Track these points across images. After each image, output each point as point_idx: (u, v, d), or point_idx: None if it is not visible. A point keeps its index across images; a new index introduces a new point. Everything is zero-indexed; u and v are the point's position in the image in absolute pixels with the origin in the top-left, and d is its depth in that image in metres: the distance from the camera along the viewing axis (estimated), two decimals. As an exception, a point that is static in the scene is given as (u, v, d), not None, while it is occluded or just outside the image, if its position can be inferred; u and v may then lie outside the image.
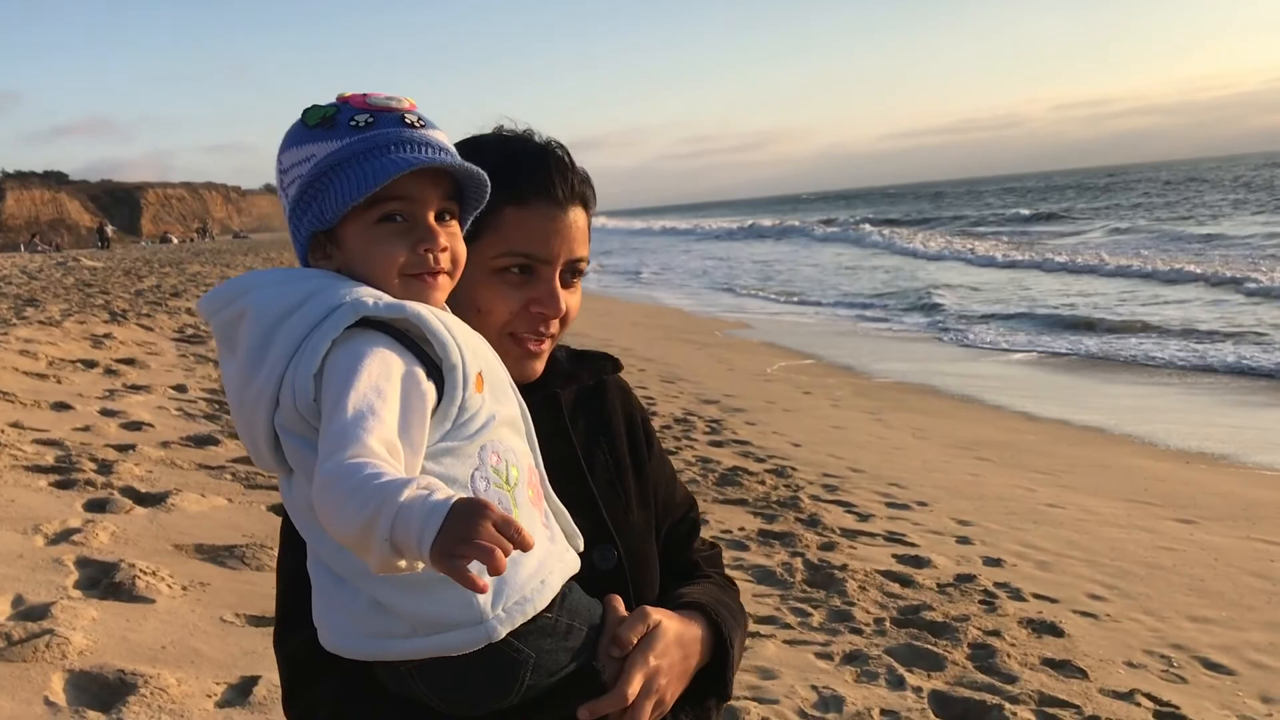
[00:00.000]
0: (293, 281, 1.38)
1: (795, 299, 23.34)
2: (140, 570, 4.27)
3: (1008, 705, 3.71)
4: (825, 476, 7.52)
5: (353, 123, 1.41)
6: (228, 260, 35.20)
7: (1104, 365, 13.26)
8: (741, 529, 6.08)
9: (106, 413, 7.92)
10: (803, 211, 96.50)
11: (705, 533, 5.14)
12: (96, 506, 5.34)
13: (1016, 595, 5.00)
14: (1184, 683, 4.05)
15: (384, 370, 1.29)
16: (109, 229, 74.86)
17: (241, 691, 3.41)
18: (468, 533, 1.13)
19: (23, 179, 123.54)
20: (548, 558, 1.43)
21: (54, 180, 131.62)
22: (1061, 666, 4.14)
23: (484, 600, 1.33)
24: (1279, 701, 3.93)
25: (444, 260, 1.44)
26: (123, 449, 6.71)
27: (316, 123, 1.42)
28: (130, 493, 5.63)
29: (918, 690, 3.82)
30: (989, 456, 8.38)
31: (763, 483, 7.19)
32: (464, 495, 1.17)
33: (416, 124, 1.43)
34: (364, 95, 1.45)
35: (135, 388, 9.24)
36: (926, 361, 13.85)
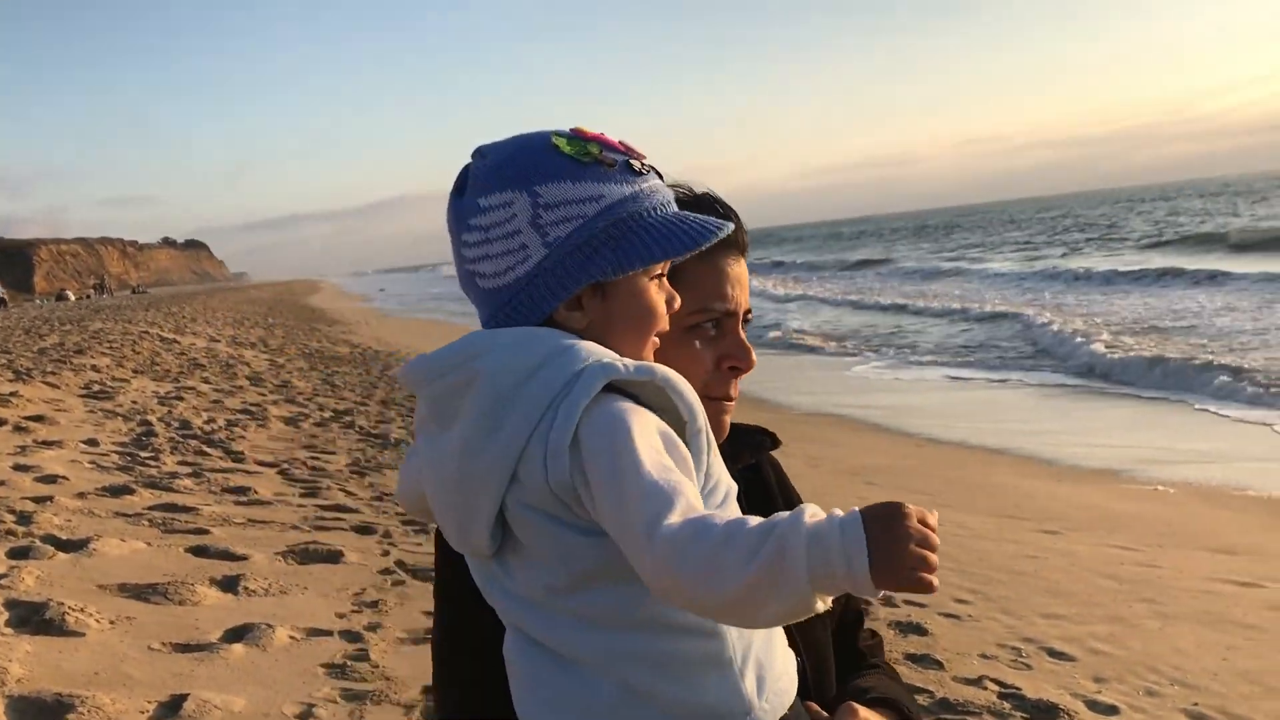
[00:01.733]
0: (527, 343, 1.27)
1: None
2: (69, 608, 4.52)
3: (872, 693, 4.16)
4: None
5: (634, 165, 1.34)
6: (129, 316, 34.74)
7: (984, 386, 13.99)
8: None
9: (20, 468, 8.03)
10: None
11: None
12: (19, 554, 5.54)
13: (889, 602, 5.47)
14: (1029, 669, 4.54)
15: (654, 432, 1.22)
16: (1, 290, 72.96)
17: (171, 708, 3.70)
18: (900, 539, 1.06)
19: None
20: (787, 649, 1.36)
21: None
22: (921, 660, 4.61)
23: (750, 689, 1.27)
24: (1108, 681, 4.44)
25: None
26: (40, 500, 6.87)
27: (587, 159, 1.31)
28: (51, 540, 5.83)
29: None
30: (876, 481, 8.89)
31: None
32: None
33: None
34: (603, 134, 1.36)
35: (47, 443, 9.32)
36: (827, 394, 14.41)
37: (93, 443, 9.44)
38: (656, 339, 1.38)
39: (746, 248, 1.61)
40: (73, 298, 78.33)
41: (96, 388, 13.69)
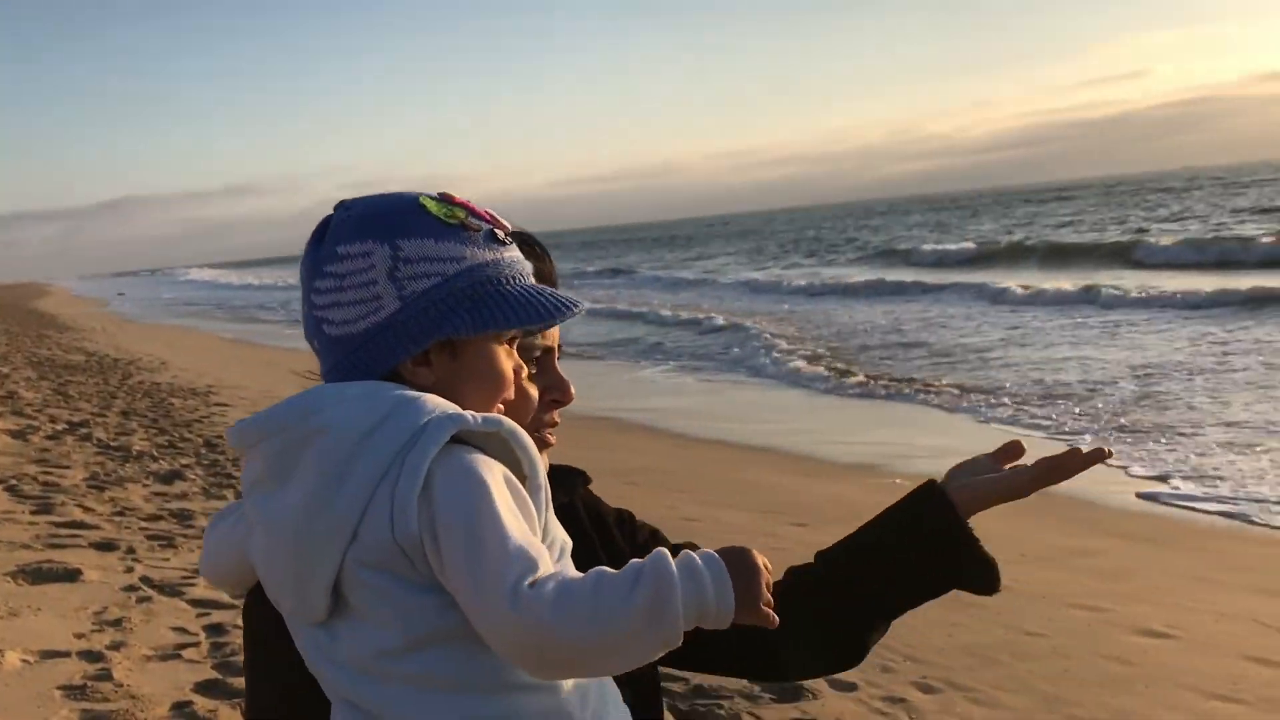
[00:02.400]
0: (369, 397, 1.25)
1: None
2: None
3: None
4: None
5: (497, 235, 1.37)
6: None
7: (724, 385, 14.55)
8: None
9: None
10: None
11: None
12: None
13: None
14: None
15: (502, 485, 1.22)
16: None
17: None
18: (753, 575, 1.17)
19: None
20: (618, 696, 1.37)
21: None
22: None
23: None
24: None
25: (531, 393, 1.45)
26: None
27: (452, 221, 1.34)
28: None
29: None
30: (638, 481, 9.12)
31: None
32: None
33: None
34: (470, 201, 1.39)
35: None
36: (599, 399, 14.60)
37: None
38: (503, 406, 1.37)
39: (557, 285, 1.65)
40: None
41: None
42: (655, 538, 1.87)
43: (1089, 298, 20.75)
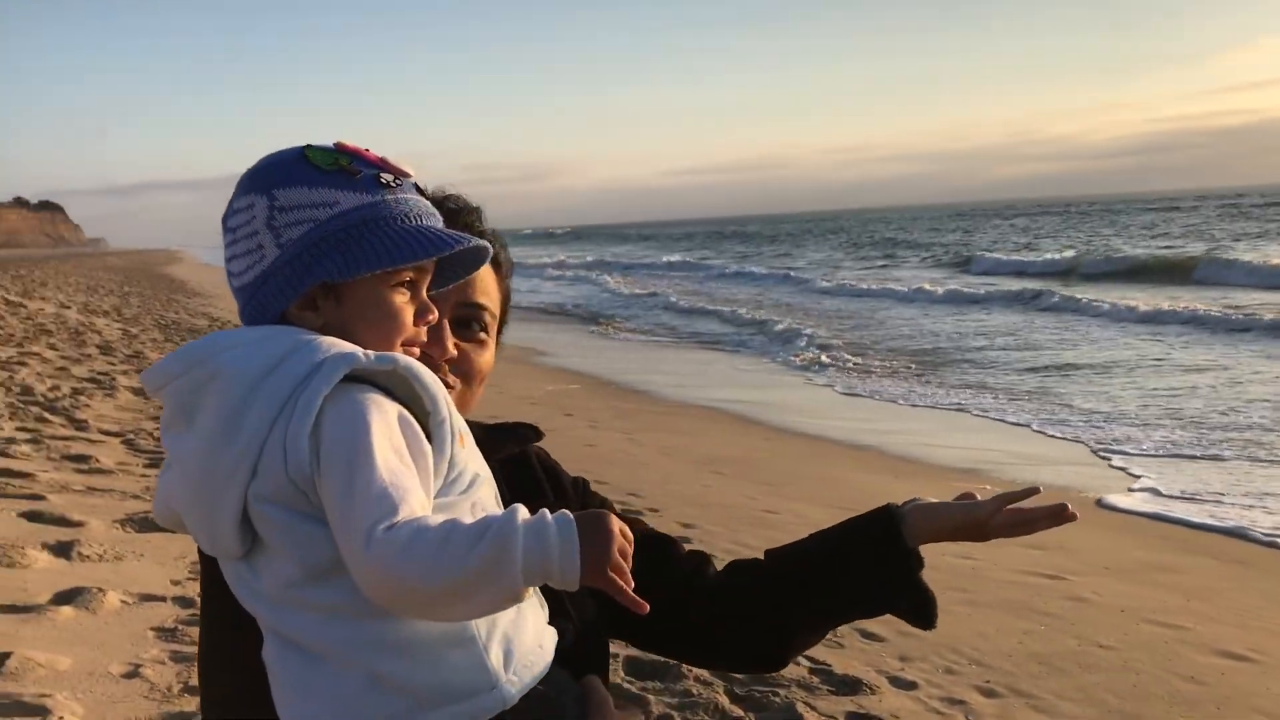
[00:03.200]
0: (268, 340, 1.30)
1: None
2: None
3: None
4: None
5: (383, 179, 1.38)
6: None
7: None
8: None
9: None
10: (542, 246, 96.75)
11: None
12: None
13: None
14: (841, 648, 4.81)
15: (392, 425, 1.26)
16: None
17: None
18: (605, 542, 1.20)
19: None
20: (540, 623, 1.40)
21: None
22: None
23: (496, 663, 1.30)
24: (912, 659, 4.76)
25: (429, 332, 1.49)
26: None
27: (332, 168, 1.36)
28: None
29: (614, 656, 4.44)
30: (725, 471, 9.17)
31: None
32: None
33: (425, 196, 1.45)
34: (366, 149, 1.41)
35: None
36: (701, 388, 14.67)
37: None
38: (411, 348, 1.41)
39: (504, 265, 1.80)
40: (-89, 255, 73.65)
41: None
42: (605, 507, 1.86)
43: (1156, 316, 20.05)
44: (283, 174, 1.37)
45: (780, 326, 21.35)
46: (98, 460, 7.71)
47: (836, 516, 6.57)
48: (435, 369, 1.44)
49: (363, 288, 1.36)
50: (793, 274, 38.15)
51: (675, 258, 54.43)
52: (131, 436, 8.86)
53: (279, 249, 1.35)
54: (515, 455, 1.80)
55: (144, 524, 6.02)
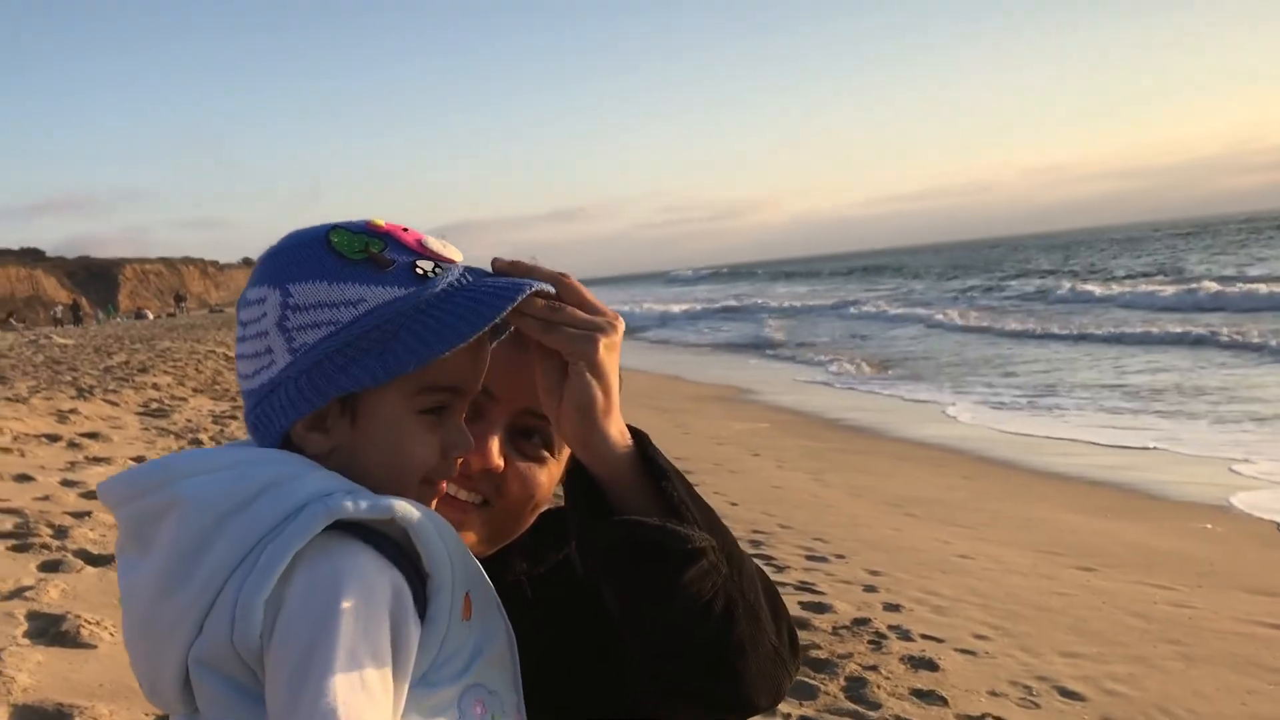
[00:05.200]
0: (244, 467, 1.08)
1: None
2: (85, 621, 4.64)
3: (866, 727, 4.12)
4: (753, 533, 7.90)
5: (418, 270, 1.15)
6: (199, 335, 35.55)
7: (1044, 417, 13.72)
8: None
9: (67, 483, 8.26)
10: (761, 281, 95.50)
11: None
12: (50, 567, 5.72)
13: (905, 636, 5.40)
14: (1036, 708, 4.46)
15: (370, 608, 1.02)
16: (83, 305, 75.12)
17: (168, 723, 3.78)
18: None
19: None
20: None
21: (30, 257, 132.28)
22: (926, 696, 4.55)
23: None
24: (1119, 721, 4.35)
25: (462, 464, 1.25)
26: (79, 515, 7.06)
27: (359, 256, 1.14)
28: (83, 554, 5.99)
29: (786, 717, 4.22)
30: (916, 513, 8.77)
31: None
32: None
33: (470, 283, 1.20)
34: (405, 229, 1.19)
35: (97, 459, 9.60)
36: (899, 425, 14.23)
37: (140, 459, 9.67)
38: (430, 487, 1.19)
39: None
40: (151, 316, 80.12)
41: (155, 406, 14.06)
42: None
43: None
44: (300, 263, 1.15)
45: (982, 356, 20.52)
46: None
47: (1038, 562, 6.16)
48: (449, 476, 1.22)
49: (384, 405, 1.15)
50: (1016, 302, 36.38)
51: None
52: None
53: (290, 355, 1.13)
54: (559, 562, 1.47)
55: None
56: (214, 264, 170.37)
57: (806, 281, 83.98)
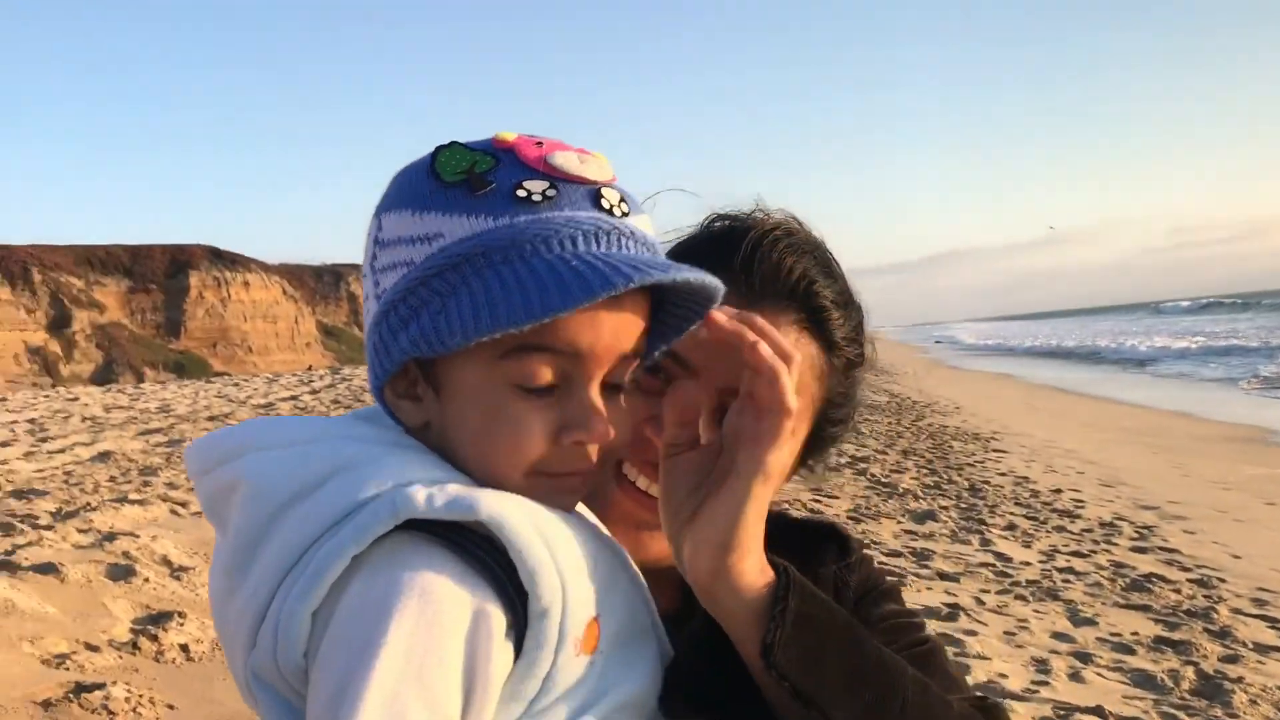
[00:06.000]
0: (314, 445, 0.91)
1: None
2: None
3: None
4: (1259, 591, 6.86)
5: (521, 192, 0.90)
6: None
7: None
8: (1134, 633, 5.77)
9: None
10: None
11: (1090, 633, 5.09)
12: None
13: None
14: None
15: (434, 633, 0.83)
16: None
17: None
18: None
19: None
20: None
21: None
22: None
23: None
24: None
25: (593, 452, 0.96)
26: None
27: (458, 178, 0.92)
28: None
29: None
30: None
31: (1178, 591, 6.73)
32: None
33: (616, 208, 0.93)
34: (538, 143, 0.95)
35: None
36: None
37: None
38: (546, 479, 0.94)
39: (834, 335, 1.20)
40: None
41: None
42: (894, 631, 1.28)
43: None
44: (399, 188, 0.95)
45: None
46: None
47: None
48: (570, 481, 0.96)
49: (468, 373, 0.91)
50: None
51: None
52: (785, 506, 9.21)
53: (376, 302, 0.95)
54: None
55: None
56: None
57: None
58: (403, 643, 0.81)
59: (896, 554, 7.72)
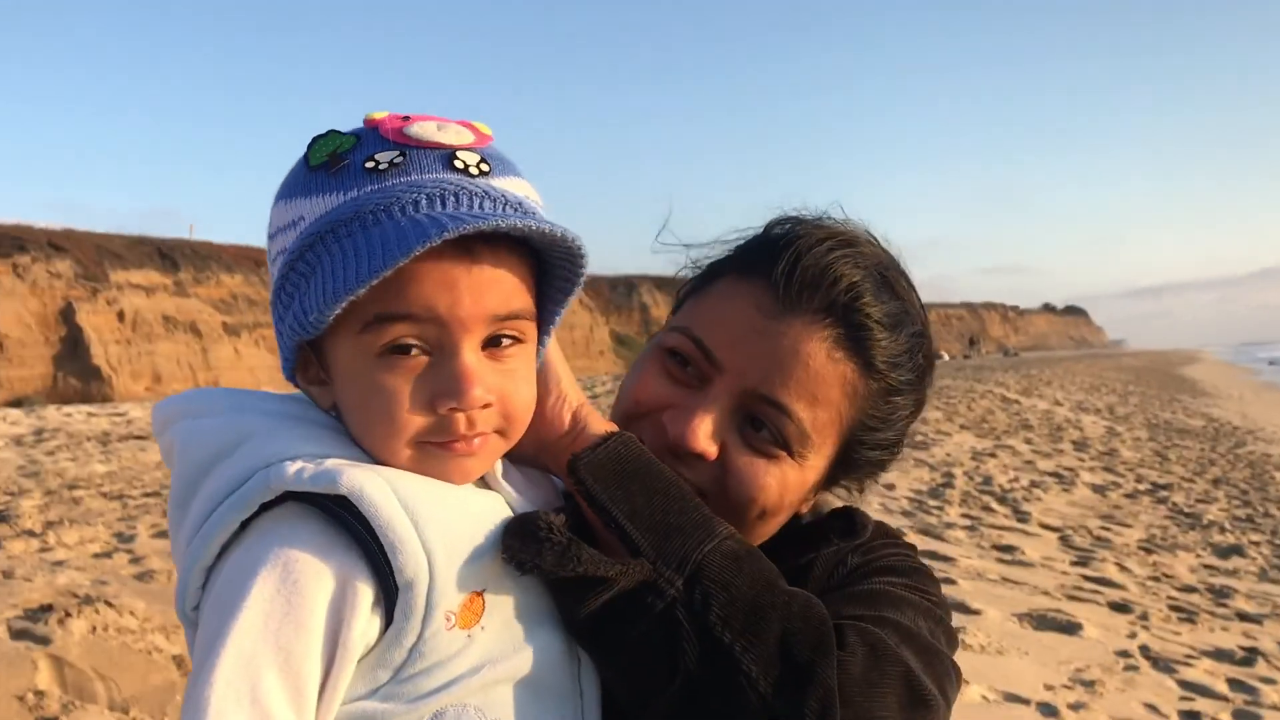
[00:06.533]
0: (232, 414, 0.97)
1: None
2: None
3: None
4: None
5: (370, 164, 0.92)
6: (983, 375, 36.05)
7: None
8: None
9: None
10: None
11: None
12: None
13: None
14: None
15: (288, 601, 0.86)
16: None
17: None
18: None
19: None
20: None
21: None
22: None
23: None
24: None
25: (483, 421, 0.96)
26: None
27: (321, 162, 0.94)
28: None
29: None
30: None
31: None
32: None
33: (473, 168, 0.94)
34: (404, 117, 0.96)
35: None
36: None
37: (889, 486, 10.03)
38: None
39: (870, 343, 1.13)
40: (946, 358, 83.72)
41: (917, 438, 14.50)
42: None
43: None
44: (283, 181, 0.98)
45: None
46: (1023, 552, 7.68)
47: None
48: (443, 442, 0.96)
49: (340, 350, 0.94)
50: None
51: None
52: (1069, 533, 8.68)
53: (271, 297, 0.99)
54: (797, 567, 1.16)
55: (1042, 621, 5.80)
56: (1014, 309, 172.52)
57: None
58: (262, 607, 0.86)
59: (1190, 589, 7.10)
